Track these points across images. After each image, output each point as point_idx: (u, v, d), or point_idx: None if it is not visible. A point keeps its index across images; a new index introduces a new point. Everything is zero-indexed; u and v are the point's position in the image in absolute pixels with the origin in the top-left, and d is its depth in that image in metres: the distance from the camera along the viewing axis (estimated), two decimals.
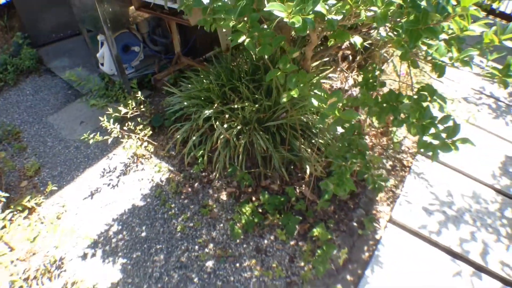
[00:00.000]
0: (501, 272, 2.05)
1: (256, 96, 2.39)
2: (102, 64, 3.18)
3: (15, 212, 2.10)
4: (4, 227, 1.90)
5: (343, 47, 2.72)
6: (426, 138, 1.07)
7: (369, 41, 2.08)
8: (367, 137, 2.70)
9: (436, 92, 1.16)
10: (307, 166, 2.32)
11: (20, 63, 3.56)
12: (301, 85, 1.22)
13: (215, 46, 3.41)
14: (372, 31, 1.83)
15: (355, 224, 2.16)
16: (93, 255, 2.03)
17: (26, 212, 2.16)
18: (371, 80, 1.39)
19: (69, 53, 3.94)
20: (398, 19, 0.99)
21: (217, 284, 1.88)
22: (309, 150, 2.34)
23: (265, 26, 1.33)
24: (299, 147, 2.33)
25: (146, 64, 3.42)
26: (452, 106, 3.13)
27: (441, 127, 1.08)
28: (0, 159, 2.43)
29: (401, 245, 2.10)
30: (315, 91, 1.18)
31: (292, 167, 2.43)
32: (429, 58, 1.05)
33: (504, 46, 1.08)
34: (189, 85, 2.63)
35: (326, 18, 1.11)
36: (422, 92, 1.14)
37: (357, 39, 1.30)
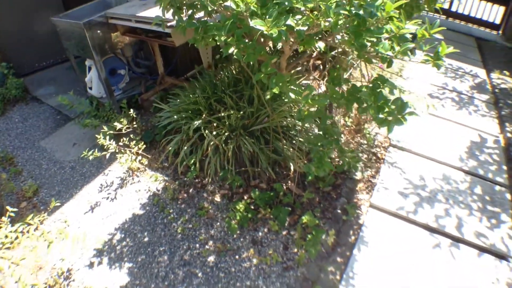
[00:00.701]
0: (477, 241, 2.33)
1: (240, 104, 2.66)
2: (91, 88, 3.39)
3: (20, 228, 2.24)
4: (17, 238, 2.04)
5: (313, 56, 3.05)
6: (382, 116, 1.35)
7: (336, 50, 2.42)
8: (342, 135, 3.00)
9: (387, 81, 1.46)
10: (291, 164, 2.58)
11: (6, 93, 3.72)
12: (280, 84, 1.49)
13: (195, 65, 3.69)
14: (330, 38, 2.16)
15: (339, 211, 2.41)
16: (100, 263, 2.18)
17: (32, 229, 2.30)
18: (336, 78, 1.69)
19: (53, 81, 4.14)
20: (347, 25, 1.29)
21: (219, 276, 2.07)
22: (291, 149, 2.61)
23: (246, 40, 1.62)
24: (282, 147, 2.60)
25: (132, 86, 3.66)
26: (417, 101, 3.49)
27: (393, 107, 1.37)
28: (1, 180, 2.57)
29: (383, 226, 2.36)
30: (291, 87, 1.46)
31: (277, 166, 2.68)
32: (377, 54, 1.34)
33: (434, 38, 1.39)
34: (178, 100, 2.88)
35: (295, 30, 1.40)
36: (376, 82, 1.43)
37: (321, 44, 1.60)
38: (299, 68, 3.19)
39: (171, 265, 2.14)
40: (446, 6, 6.06)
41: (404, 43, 1.26)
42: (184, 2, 1.79)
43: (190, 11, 1.90)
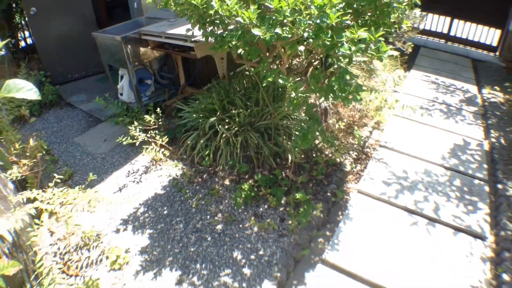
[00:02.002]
0: (453, 222, 2.72)
1: (248, 105, 3.22)
2: (121, 94, 4.05)
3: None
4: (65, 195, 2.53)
5: (314, 65, 3.63)
6: (344, 95, 1.87)
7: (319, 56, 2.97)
8: (336, 136, 3.50)
9: (350, 72, 1.97)
10: (289, 155, 3.09)
11: (43, 98, 4.40)
12: (273, 75, 2.05)
13: (212, 77, 4.32)
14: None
15: (329, 194, 2.88)
16: (125, 229, 2.69)
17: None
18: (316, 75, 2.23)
19: (84, 90, 4.84)
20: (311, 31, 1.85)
21: (225, 240, 2.54)
22: (289, 143, 3.12)
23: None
24: (282, 141, 3.12)
25: (157, 94, 4.31)
26: (407, 111, 3.97)
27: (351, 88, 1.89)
28: (43, 162, 3.11)
29: (367, 207, 2.81)
30: (281, 76, 2.00)
31: (277, 157, 3.19)
32: (340, 53, 1.87)
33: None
34: (197, 102, 3.46)
35: (282, 36, 1.97)
36: (341, 73, 1.96)
37: (301, 48, 2.15)
38: (298, 79, 3.76)
39: (185, 231, 2.62)
40: (445, 31, 6.64)
41: (357, 45, 1.80)
42: (208, 19, 2.40)
43: (210, 28, 2.52)
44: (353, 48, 1.79)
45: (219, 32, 2.43)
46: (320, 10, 1.79)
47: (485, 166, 3.39)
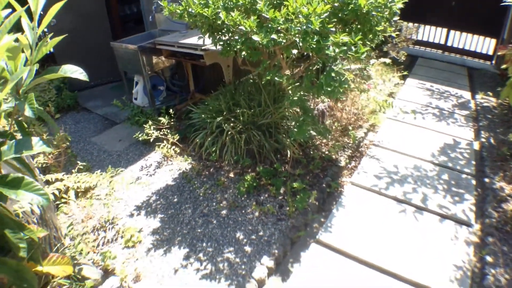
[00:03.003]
0: (439, 210, 3.00)
1: (251, 105, 3.59)
2: (136, 99, 4.46)
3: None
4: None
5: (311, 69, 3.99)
6: (330, 89, 2.22)
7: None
8: (332, 137, 3.83)
9: (335, 71, 2.33)
10: (288, 151, 3.42)
11: (61, 102, 4.83)
12: (271, 74, 2.41)
13: (219, 84, 4.73)
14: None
15: (324, 185, 3.19)
16: (138, 214, 3.02)
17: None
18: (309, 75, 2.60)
19: (100, 97, 5.28)
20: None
21: (229, 223, 2.86)
22: (288, 140, 3.46)
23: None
24: (282, 138, 3.46)
25: (168, 100, 4.72)
26: (401, 114, 4.30)
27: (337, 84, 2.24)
28: (65, 153, 3.46)
29: (358, 196, 3.11)
30: (278, 74, 2.37)
31: (278, 153, 3.53)
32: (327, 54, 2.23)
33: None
34: (206, 103, 3.84)
35: (277, 41, 2.35)
36: (328, 71, 2.32)
37: (294, 51, 2.53)
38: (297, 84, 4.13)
39: (193, 216, 2.96)
40: (442, 41, 7.00)
41: (340, 47, 2.17)
42: (217, 28, 2.80)
43: (218, 36, 2.92)
44: (337, 50, 2.16)
45: (225, 39, 2.83)
46: (306, 18, 2.17)
47: (473, 162, 3.67)
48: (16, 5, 1.23)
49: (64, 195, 2.61)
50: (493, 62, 6.55)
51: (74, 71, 1.35)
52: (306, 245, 2.70)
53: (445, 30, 6.95)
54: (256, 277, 2.38)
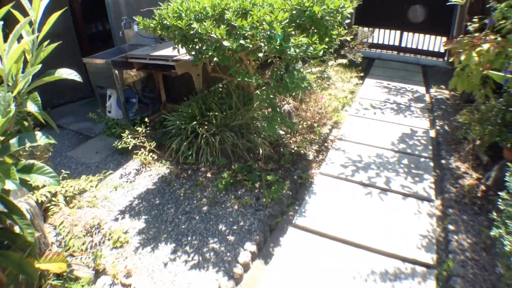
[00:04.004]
0: (402, 190, 3.40)
1: (223, 108, 3.91)
2: (109, 112, 4.66)
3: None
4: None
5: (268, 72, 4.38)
6: (292, 85, 2.58)
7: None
8: (299, 135, 4.21)
9: (298, 70, 2.70)
10: (260, 149, 3.75)
11: (36, 118, 4.92)
12: (241, 76, 2.75)
13: (189, 93, 5.02)
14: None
15: (296, 177, 3.53)
16: (123, 217, 3.21)
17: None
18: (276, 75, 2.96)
19: (71, 113, 5.41)
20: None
21: (211, 217, 3.12)
22: (259, 139, 3.79)
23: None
24: (253, 138, 3.79)
25: (141, 111, 4.94)
26: (362, 111, 4.76)
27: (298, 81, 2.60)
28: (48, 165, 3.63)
29: (327, 184, 3.47)
30: (247, 75, 2.71)
31: (250, 152, 3.84)
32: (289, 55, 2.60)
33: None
34: (180, 110, 4.11)
35: (245, 46, 2.70)
36: (291, 71, 2.68)
37: (260, 54, 2.88)
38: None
39: (176, 214, 3.19)
40: (396, 43, 7.69)
41: (300, 48, 2.54)
42: (190, 37, 3.10)
43: (191, 45, 3.22)
44: (297, 50, 2.53)
45: (197, 47, 3.15)
46: (269, 25, 2.54)
47: (430, 147, 4.16)
48: (19, 16, 1.49)
49: (53, 199, 2.79)
50: (445, 58, 7.27)
51: (69, 74, 1.61)
52: (284, 230, 3.00)
53: (398, 32, 7.64)
54: (241, 261, 2.64)
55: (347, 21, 3.26)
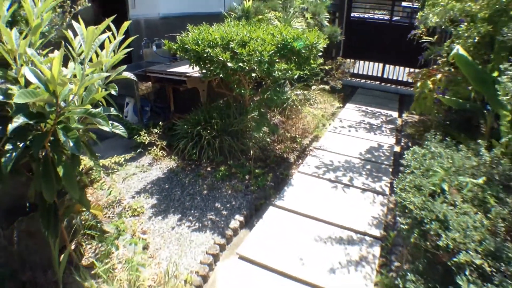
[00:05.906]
0: (362, 186, 4.46)
1: (223, 117, 5.03)
2: (126, 117, 5.76)
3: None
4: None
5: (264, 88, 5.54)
6: (276, 98, 3.71)
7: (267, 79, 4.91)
8: (283, 144, 5.32)
9: (275, 89, 3.82)
10: (251, 151, 4.84)
11: None
12: (239, 89, 3.88)
13: (195, 105, 6.15)
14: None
15: (278, 173, 4.61)
16: (139, 196, 4.23)
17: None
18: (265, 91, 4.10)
19: None
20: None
21: (210, 198, 4.16)
22: (251, 143, 4.89)
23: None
24: (247, 142, 4.89)
25: (153, 119, 6.05)
26: (339, 129, 5.90)
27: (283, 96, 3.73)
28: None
29: (303, 180, 4.54)
30: (243, 89, 3.84)
31: (244, 153, 4.93)
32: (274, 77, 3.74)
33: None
34: (187, 116, 5.23)
35: (243, 67, 3.86)
36: (275, 88, 3.80)
37: (253, 74, 4.03)
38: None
39: (182, 195, 4.22)
40: (379, 74, 9.00)
41: (282, 72, 3.70)
42: (203, 59, 4.26)
43: (203, 65, 4.38)
44: (279, 73, 3.68)
45: (208, 66, 4.31)
46: (260, 53, 3.71)
47: (392, 158, 5.27)
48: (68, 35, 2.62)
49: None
50: None
51: (129, 75, 2.71)
52: (266, 209, 4.04)
53: (381, 64, 8.97)
54: (231, 227, 3.67)
55: (336, 53, 4.45)
